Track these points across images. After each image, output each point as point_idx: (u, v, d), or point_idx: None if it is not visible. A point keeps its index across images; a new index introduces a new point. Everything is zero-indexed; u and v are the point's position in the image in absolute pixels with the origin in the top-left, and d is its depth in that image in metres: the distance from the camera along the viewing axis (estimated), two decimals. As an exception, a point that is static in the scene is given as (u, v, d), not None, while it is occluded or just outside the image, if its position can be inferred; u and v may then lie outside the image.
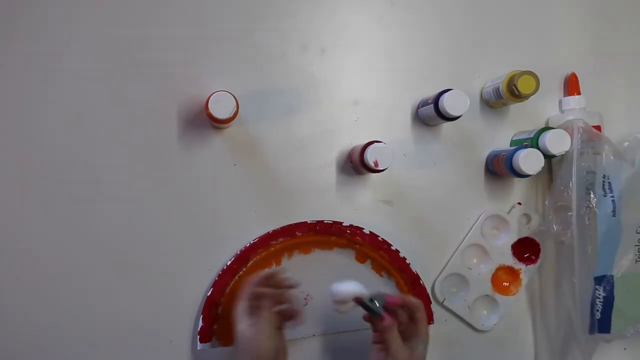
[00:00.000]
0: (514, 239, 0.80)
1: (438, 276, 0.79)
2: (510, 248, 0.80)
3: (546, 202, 0.80)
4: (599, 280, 0.76)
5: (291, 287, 0.66)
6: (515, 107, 0.82)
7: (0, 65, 0.69)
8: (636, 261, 0.77)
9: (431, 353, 0.78)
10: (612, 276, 0.76)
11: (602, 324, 0.76)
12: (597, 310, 0.76)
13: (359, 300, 0.64)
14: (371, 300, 0.65)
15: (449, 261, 0.79)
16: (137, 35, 0.72)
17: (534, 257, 0.81)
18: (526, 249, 0.81)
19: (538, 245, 0.80)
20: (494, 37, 0.82)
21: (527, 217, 0.81)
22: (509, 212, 0.81)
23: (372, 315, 0.65)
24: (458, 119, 0.73)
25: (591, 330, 0.76)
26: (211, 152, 0.73)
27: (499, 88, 0.76)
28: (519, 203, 0.81)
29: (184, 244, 0.72)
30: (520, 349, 0.82)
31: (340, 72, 0.78)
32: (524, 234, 0.80)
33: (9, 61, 0.69)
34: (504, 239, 0.80)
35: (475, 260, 0.80)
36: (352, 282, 0.65)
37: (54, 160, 0.70)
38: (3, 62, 0.69)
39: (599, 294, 0.76)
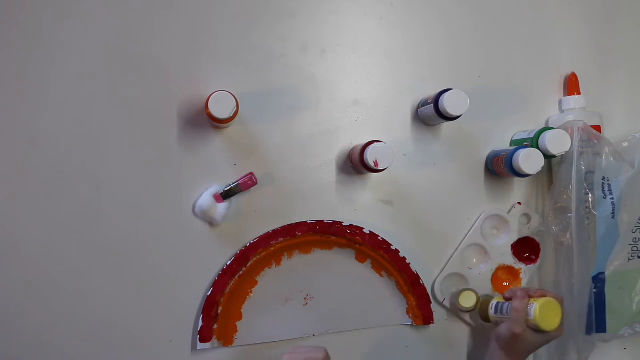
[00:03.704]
0: (514, 238, 0.80)
1: (438, 276, 0.79)
2: (510, 248, 0.80)
3: (546, 203, 0.80)
4: (593, 279, 0.76)
5: None
6: (515, 107, 0.82)
7: None
8: (629, 259, 0.77)
9: (431, 353, 0.79)
10: (603, 273, 0.76)
11: (597, 323, 0.76)
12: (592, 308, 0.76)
13: (218, 195, 0.71)
14: (227, 187, 0.72)
15: (449, 261, 0.79)
16: (137, 35, 0.72)
17: (534, 257, 0.81)
18: (526, 248, 0.81)
19: (538, 245, 0.80)
20: (494, 37, 0.82)
21: (527, 217, 0.81)
22: (509, 212, 0.80)
23: (234, 194, 0.72)
24: (458, 119, 0.73)
25: (588, 331, 0.76)
26: (211, 152, 0.73)
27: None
28: (519, 203, 0.81)
29: (184, 244, 0.72)
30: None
31: (340, 72, 0.78)
32: (524, 234, 0.80)
33: (8, 61, 0.69)
34: (504, 238, 0.80)
35: (475, 260, 0.80)
36: (207, 191, 0.72)
37: (54, 161, 0.70)
38: (3, 61, 0.69)
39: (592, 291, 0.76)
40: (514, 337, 0.66)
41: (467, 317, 0.79)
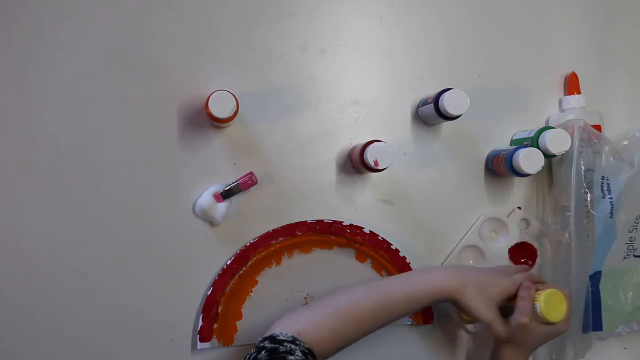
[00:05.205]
0: (512, 242, 0.80)
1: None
2: (507, 252, 0.80)
3: (546, 202, 0.80)
4: (590, 277, 0.76)
5: None
6: (515, 107, 0.82)
7: None
8: (624, 258, 0.77)
9: (431, 353, 0.79)
10: (600, 272, 0.77)
11: (593, 321, 0.76)
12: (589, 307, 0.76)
13: (218, 195, 0.71)
14: (227, 187, 0.72)
15: (445, 261, 0.79)
16: (137, 35, 0.72)
17: (530, 263, 0.80)
18: (523, 253, 0.80)
19: (535, 250, 0.80)
20: (494, 37, 0.82)
21: (526, 222, 0.81)
22: (508, 216, 0.80)
23: (234, 193, 0.72)
24: (458, 119, 0.73)
25: (585, 329, 0.76)
26: (211, 151, 0.73)
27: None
28: (519, 207, 0.81)
29: (184, 243, 0.73)
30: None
31: (340, 72, 0.78)
32: (523, 239, 0.80)
33: (8, 61, 0.69)
34: (501, 242, 0.80)
35: (471, 262, 0.80)
36: (207, 190, 0.72)
37: (54, 161, 0.70)
38: (3, 61, 0.69)
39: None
40: (521, 327, 0.65)
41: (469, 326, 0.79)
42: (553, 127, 0.75)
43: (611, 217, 0.76)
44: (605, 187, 0.76)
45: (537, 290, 0.67)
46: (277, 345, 0.55)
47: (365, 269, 0.77)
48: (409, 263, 0.76)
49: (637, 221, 0.77)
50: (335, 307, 0.63)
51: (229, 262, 0.72)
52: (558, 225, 0.77)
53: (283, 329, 0.58)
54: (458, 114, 0.71)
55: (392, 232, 0.77)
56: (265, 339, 0.57)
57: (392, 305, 0.64)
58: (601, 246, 0.76)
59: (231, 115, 0.66)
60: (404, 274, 0.73)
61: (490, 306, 0.65)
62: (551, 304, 0.66)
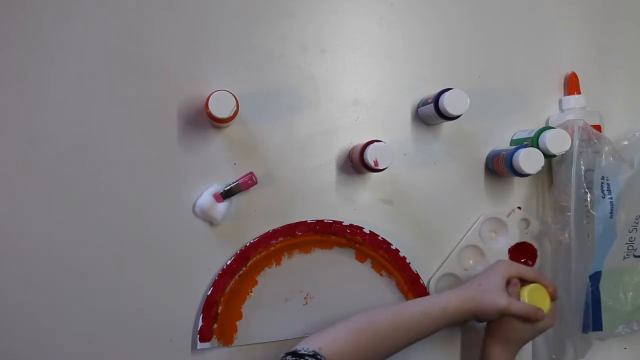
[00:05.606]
0: (512, 242, 0.80)
1: (433, 275, 0.79)
2: (507, 252, 0.80)
3: (546, 202, 0.80)
4: (590, 277, 0.76)
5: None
6: (515, 107, 0.82)
7: None
8: (624, 258, 0.77)
9: (431, 353, 0.79)
10: (599, 272, 0.77)
11: (593, 321, 0.76)
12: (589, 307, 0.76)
13: (218, 195, 0.71)
14: (227, 187, 0.72)
15: (445, 261, 0.79)
16: (137, 35, 0.72)
17: (530, 263, 0.80)
18: (523, 253, 0.80)
19: (535, 250, 0.80)
20: (494, 37, 0.82)
21: (526, 222, 0.81)
22: (508, 216, 0.80)
23: (234, 193, 0.72)
24: (458, 119, 0.73)
25: (585, 329, 0.76)
26: (211, 151, 0.73)
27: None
28: (519, 207, 0.81)
29: (184, 243, 0.73)
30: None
31: (340, 72, 0.78)
32: (523, 239, 0.80)
33: (8, 61, 0.69)
34: (501, 242, 0.80)
35: (471, 262, 0.80)
36: (207, 190, 0.72)
37: (54, 161, 0.70)
38: (3, 61, 0.69)
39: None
40: (505, 323, 0.68)
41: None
42: (553, 127, 0.75)
43: (611, 217, 0.76)
44: (605, 187, 0.76)
45: (522, 286, 0.70)
46: (298, 358, 0.58)
47: (365, 269, 0.77)
48: (409, 263, 0.76)
49: (637, 221, 0.78)
50: (354, 323, 0.66)
51: (229, 262, 0.72)
52: (558, 225, 0.77)
53: (305, 345, 0.61)
54: (458, 114, 0.71)
55: (392, 232, 0.77)
56: (287, 353, 0.60)
57: (409, 321, 0.67)
58: (601, 246, 0.76)
59: (231, 115, 0.66)
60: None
61: (499, 294, 0.68)
62: (535, 299, 0.68)
